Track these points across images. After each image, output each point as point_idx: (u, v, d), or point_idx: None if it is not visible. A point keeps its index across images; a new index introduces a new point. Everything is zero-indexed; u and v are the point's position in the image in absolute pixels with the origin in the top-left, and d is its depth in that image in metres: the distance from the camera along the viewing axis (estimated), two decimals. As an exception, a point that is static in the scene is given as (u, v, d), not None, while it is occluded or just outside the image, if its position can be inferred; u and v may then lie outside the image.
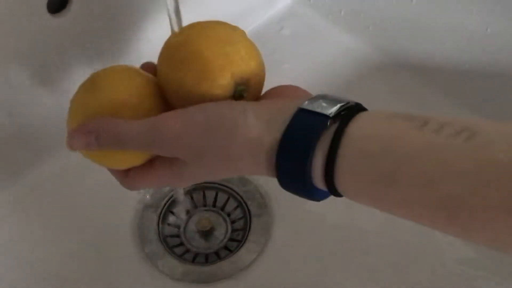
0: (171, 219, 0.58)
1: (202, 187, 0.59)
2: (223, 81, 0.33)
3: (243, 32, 0.35)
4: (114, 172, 0.37)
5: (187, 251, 0.55)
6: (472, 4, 0.56)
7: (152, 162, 0.35)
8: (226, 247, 0.56)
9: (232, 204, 0.59)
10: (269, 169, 0.31)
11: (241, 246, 0.55)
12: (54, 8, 0.48)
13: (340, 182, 0.29)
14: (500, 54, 0.57)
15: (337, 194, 0.30)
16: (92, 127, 0.33)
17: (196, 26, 0.35)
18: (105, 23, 0.52)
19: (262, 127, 0.30)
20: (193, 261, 0.55)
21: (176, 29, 0.40)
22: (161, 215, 0.57)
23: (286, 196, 0.57)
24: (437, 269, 0.51)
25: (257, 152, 0.30)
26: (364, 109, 0.30)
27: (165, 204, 0.58)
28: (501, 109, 0.59)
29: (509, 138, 0.24)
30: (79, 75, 0.53)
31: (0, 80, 0.48)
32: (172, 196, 0.58)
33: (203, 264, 0.54)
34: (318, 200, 0.32)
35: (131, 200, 0.57)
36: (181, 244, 0.56)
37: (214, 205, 0.59)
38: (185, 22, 0.38)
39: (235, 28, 0.35)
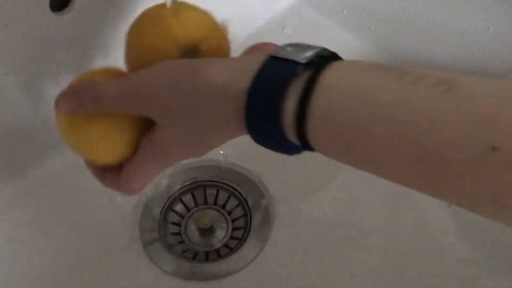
0: (172, 217, 0.58)
1: (203, 185, 0.59)
2: (171, 54, 0.34)
3: (185, 4, 0.36)
4: (108, 178, 0.37)
5: (188, 249, 0.56)
6: (474, 4, 0.56)
7: (135, 150, 0.35)
8: (226, 245, 0.56)
9: (233, 202, 0.59)
10: (238, 121, 0.29)
11: (242, 244, 0.55)
12: (57, 7, 0.48)
13: (312, 133, 0.27)
14: (502, 54, 0.57)
15: (309, 147, 0.29)
16: (76, 88, 0.35)
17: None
18: (108, 21, 0.52)
19: (227, 75, 0.29)
20: (194, 259, 0.55)
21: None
22: (162, 213, 0.57)
23: (287, 195, 0.57)
24: (437, 268, 0.51)
25: (224, 100, 0.29)
26: (339, 59, 0.29)
27: (166, 202, 0.58)
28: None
29: (488, 92, 0.23)
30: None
31: (3, 78, 0.49)
32: (173, 194, 0.58)
33: (203, 262, 0.54)
34: (292, 154, 0.30)
35: (132, 198, 0.57)
36: (182, 242, 0.56)
37: (215, 203, 0.59)
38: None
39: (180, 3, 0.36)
